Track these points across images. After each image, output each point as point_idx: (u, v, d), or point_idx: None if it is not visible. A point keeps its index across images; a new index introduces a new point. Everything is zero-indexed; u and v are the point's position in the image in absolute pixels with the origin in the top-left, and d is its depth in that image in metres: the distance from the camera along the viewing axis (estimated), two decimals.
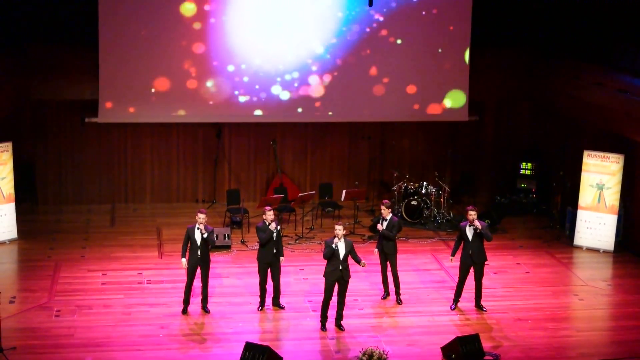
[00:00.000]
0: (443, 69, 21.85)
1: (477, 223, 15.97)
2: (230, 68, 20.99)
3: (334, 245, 15.09)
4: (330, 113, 21.54)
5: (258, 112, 21.26)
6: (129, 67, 20.69)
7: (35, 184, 21.76)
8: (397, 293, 16.63)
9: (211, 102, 21.10)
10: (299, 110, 21.43)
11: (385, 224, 16.43)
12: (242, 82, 21.11)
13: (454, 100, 21.97)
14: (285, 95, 21.32)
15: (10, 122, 20.65)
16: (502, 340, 15.19)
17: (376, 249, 16.69)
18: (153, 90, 20.86)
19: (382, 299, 16.75)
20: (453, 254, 16.36)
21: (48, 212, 21.46)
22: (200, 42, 20.80)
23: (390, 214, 16.56)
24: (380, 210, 16.61)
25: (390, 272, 16.60)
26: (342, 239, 15.19)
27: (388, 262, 16.58)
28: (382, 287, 16.86)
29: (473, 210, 16.09)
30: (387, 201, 16.82)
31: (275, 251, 16.00)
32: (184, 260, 15.72)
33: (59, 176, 21.92)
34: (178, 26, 20.66)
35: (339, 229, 15.20)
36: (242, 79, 21.07)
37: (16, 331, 14.96)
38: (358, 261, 15.36)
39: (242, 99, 21.16)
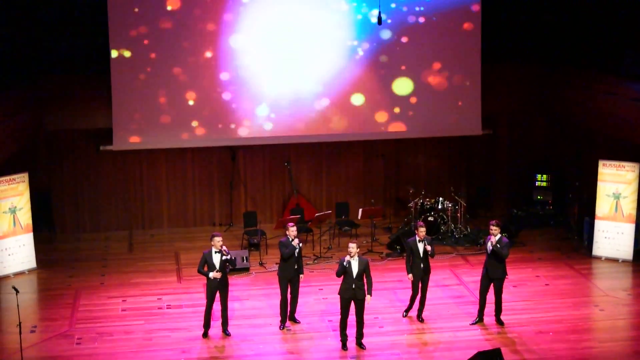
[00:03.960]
0: (454, 86, 21.93)
1: (493, 239, 15.94)
2: (245, 92, 21.13)
3: (345, 263, 15.11)
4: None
5: (270, 132, 21.42)
6: (141, 94, 20.82)
7: (53, 213, 21.85)
8: (421, 310, 16.59)
9: (221, 126, 21.22)
10: (313, 130, 21.58)
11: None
12: (256, 105, 21.23)
13: (466, 94, 22.06)
14: (301, 116, 21.48)
15: (25, 153, 20.78)
16: (524, 353, 15.13)
17: (410, 275, 16.42)
18: (166, 116, 20.99)
19: (405, 314, 16.71)
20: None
21: (66, 240, 21.53)
22: (212, 68, 20.95)
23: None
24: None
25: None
26: (356, 257, 15.18)
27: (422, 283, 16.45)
28: (407, 302, 16.74)
29: (495, 226, 16.01)
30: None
31: (296, 267, 16.14)
32: (212, 273, 15.57)
33: (75, 205, 22.01)
34: (189, 53, 20.81)
35: (352, 247, 15.17)
36: (258, 102, 21.22)
37: None
38: (368, 290, 15.23)
39: (256, 121, 21.31)
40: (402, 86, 21.79)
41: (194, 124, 21.11)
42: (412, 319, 16.56)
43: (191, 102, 21.03)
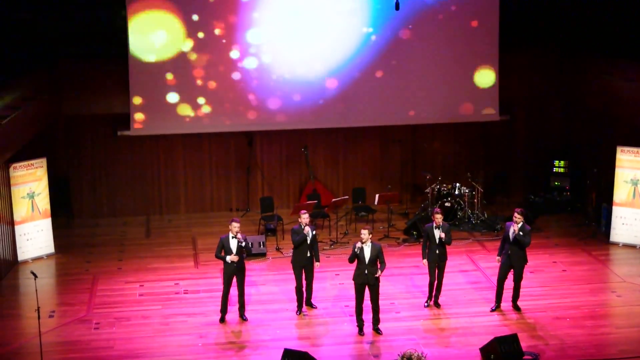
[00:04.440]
0: (472, 71, 21.85)
1: (515, 227, 15.87)
2: (254, 73, 21.12)
3: (356, 249, 15.13)
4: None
5: (279, 117, 21.45)
6: (158, 79, 20.83)
7: (70, 198, 21.94)
8: (437, 296, 16.59)
9: (235, 110, 21.24)
10: (329, 116, 21.55)
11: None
12: (272, 90, 21.23)
13: (484, 80, 22.01)
14: (314, 101, 21.44)
15: (43, 138, 20.85)
16: (540, 339, 15.13)
17: (424, 260, 16.45)
18: (183, 102, 20.99)
19: (426, 304, 16.64)
20: (499, 254, 16.27)
21: (84, 225, 21.62)
22: (228, 52, 20.94)
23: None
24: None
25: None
26: (369, 243, 15.18)
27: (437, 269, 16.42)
28: (427, 290, 16.67)
29: (519, 214, 15.91)
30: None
31: (308, 254, 16.11)
32: (229, 257, 15.64)
33: (93, 190, 22.09)
34: (205, 37, 20.80)
35: (365, 233, 15.16)
36: (272, 86, 21.21)
37: (56, 345, 15.09)
38: (381, 268, 15.29)
39: (272, 107, 21.30)
40: (421, 74, 21.75)
41: (201, 100, 21.09)
42: (430, 305, 16.55)
43: (200, 82, 21.01)
